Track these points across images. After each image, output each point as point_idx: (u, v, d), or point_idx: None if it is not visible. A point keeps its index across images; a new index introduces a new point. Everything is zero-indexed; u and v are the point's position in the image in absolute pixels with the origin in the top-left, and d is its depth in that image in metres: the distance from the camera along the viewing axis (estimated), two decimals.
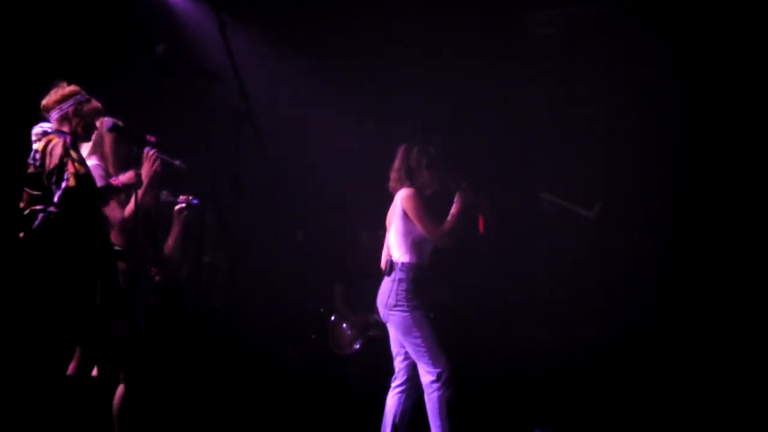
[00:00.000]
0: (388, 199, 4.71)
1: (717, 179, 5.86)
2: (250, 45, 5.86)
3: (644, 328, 5.82)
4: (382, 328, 6.18)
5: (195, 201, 4.69)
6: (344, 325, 6.34)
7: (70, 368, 3.98)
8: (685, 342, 5.76)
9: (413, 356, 4.49)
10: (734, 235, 5.79)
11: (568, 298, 6.19)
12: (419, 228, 4.49)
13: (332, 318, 6.41)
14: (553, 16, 6.34)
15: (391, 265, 4.53)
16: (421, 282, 4.50)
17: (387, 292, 4.51)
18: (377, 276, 4.55)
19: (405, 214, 4.51)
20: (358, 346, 6.25)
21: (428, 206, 4.53)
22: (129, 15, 6.00)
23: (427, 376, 4.41)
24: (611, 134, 6.29)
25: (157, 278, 4.58)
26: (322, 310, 6.48)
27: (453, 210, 4.53)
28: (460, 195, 4.55)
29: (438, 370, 4.37)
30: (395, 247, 4.56)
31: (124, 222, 4.21)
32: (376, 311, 4.67)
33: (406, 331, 4.44)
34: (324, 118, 6.61)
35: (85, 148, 4.23)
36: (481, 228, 4.62)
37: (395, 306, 4.46)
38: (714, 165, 5.88)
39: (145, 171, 4.18)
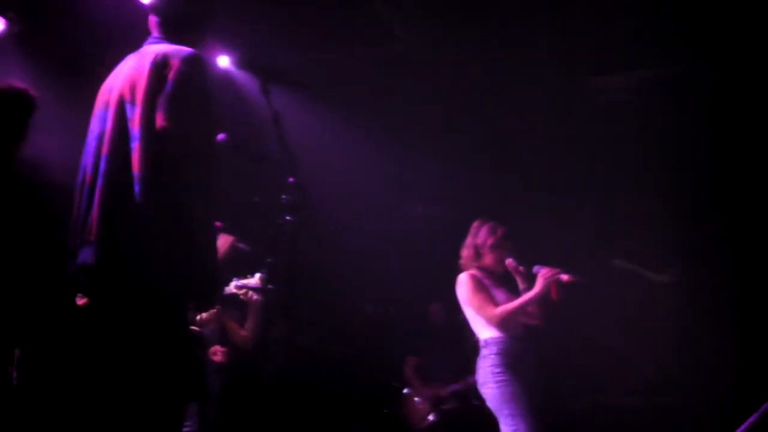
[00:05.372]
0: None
1: None
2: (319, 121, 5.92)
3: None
4: (458, 401, 6.12)
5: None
6: (416, 398, 6.25)
7: None
8: None
9: None
10: None
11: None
12: (473, 313, 4.37)
13: (405, 391, 6.33)
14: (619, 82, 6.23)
15: (477, 343, 4.39)
16: (510, 356, 4.26)
17: (478, 371, 4.34)
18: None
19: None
20: (432, 419, 6.14)
21: (482, 289, 4.36)
22: None
23: None
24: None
25: (223, 359, 4.62)
26: (395, 384, 6.41)
27: (528, 295, 4.28)
28: (539, 283, 4.24)
29: None
30: (474, 326, 4.42)
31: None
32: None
33: (498, 408, 4.19)
34: (390, 189, 6.64)
35: None
36: (554, 294, 4.33)
37: (484, 383, 4.27)
38: None
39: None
